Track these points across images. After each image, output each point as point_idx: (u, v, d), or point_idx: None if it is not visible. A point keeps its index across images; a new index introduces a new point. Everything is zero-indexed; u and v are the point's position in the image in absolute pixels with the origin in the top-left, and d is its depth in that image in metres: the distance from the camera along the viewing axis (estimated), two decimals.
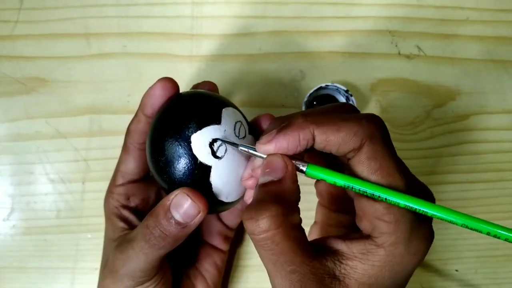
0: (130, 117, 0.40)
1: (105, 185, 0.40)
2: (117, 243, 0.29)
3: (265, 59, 0.40)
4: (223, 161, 0.26)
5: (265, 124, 0.29)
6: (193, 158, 0.25)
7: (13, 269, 0.41)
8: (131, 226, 0.31)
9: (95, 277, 0.39)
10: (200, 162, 0.25)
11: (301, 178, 0.25)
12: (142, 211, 0.32)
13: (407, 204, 0.23)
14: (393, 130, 0.41)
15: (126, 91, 0.40)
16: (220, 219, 0.35)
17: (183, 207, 0.26)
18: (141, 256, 0.27)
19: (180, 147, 0.25)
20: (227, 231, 0.36)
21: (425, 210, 0.23)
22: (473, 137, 0.41)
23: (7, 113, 0.40)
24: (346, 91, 0.38)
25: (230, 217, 0.35)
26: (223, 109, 0.26)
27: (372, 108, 0.40)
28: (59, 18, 0.40)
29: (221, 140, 0.26)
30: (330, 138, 0.23)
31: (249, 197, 0.27)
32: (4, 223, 0.41)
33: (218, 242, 0.35)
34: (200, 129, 0.25)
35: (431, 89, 0.40)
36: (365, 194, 0.23)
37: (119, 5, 0.40)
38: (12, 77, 0.40)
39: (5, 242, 0.41)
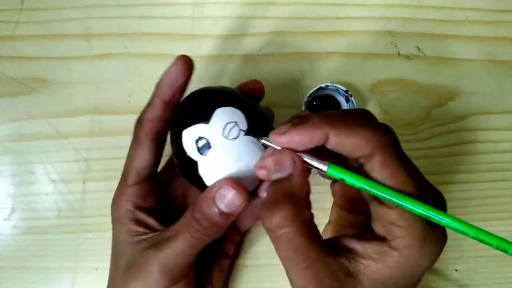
0: (130, 117, 0.40)
1: (105, 185, 0.40)
2: (145, 245, 0.29)
3: (265, 59, 0.40)
4: (208, 157, 0.28)
5: (251, 85, 0.31)
6: (183, 151, 0.28)
7: (13, 269, 0.41)
8: (151, 229, 0.30)
9: (96, 276, 0.39)
10: (188, 156, 0.28)
11: (315, 179, 0.25)
12: (157, 212, 0.32)
13: (419, 211, 0.23)
14: None
15: (126, 92, 0.40)
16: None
17: (227, 197, 0.27)
18: (185, 250, 0.28)
19: (177, 139, 0.28)
20: (236, 236, 0.36)
21: (435, 218, 0.23)
22: (473, 137, 0.41)
23: (8, 114, 0.40)
24: (346, 92, 0.38)
25: (244, 220, 0.36)
26: (218, 109, 0.28)
27: (372, 108, 0.40)
28: (60, 19, 0.40)
29: (242, 129, 0.28)
30: (343, 141, 0.24)
31: (263, 189, 0.28)
32: (5, 223, 0.41)
33: (227, 246, 0.36)
34: (190, 125, 0.28)
35: (431, 90, 0.41)
36: (380, 198, 0.24)
37: (120, 6, 0.40)
38: (13, 78, 0.40)
39: (5, 242, 0.41)
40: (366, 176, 0.25)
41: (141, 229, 0.30)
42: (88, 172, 0.40)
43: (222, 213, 0.27)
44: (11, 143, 0.40)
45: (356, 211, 0.31)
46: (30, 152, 0.40)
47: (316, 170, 0.26)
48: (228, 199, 0.27)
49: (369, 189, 0.24)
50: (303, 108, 0.38)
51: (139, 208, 0.31)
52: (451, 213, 0.30)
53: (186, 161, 0.28)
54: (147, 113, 0.30)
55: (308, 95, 0.38)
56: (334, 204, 0.33)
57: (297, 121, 0.25)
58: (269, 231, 0.24)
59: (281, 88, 0.40)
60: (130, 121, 0.40)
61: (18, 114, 0.40)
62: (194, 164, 0.28)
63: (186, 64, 0.30)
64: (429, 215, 0.23)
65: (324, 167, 0.25)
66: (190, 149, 0.28)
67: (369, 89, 0.40)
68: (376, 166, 0.24)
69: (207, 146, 0.28)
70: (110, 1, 0.40)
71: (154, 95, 0.30)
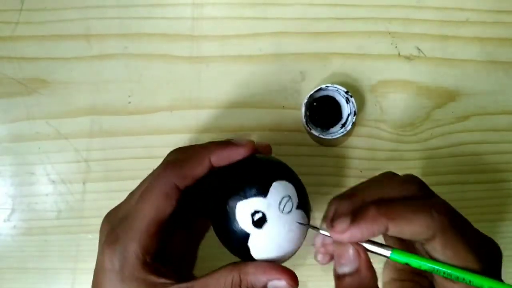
0: (130, 117, 0.40)
1: (105, 186, 0.40)
2: None
3: (265, 60, 0.40)
4: (262, 231, 0.28)
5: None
6: (235, 222, 0.28)
7: (14, 269, 0.41)
8: (172, 276, 0.28)
9: None
10: (241, 228, 0.28)
11: None
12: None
13: (481, 284, 0.24)
14: (393, 131, 0.41)
15: (126, 92, 0.40)
16: None
17: (278, 286, 0.28)
18: None
19: (230, 210, 0.28)
20: None
21: None
22: (473, 138, 0.41)
23: (8, 114, 0.40)
24: (346, 92, 0.38)
25: None
26: (274, 182, 0.28)
27: (372, 109, 0.40)
28: (60, 19, 0.40)
29: (303, 224, 0.28)
30: (403, 230, 0.25)
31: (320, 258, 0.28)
32: (5, 224, 0.41)
33: None
34: (246, 198, 0.28)
35: (431, 90, 0.41)
36: (448, 277, 0.25)
37: (120, 6, 0.40)
38: (13, 78, 0.40)
39: (5, 242, 0.41)
40: (429, 255, 0.26)
41: (164, 280, 0.28)
42: (88, 173, 0.40)
43: None
44: (11, 144, 0.40)
45: (412, 280, 0.32)
46: (30, 152, 0.40)
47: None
48: (278, 287, 0.28)
49: (435, 268, 0.25)
50: (303, 109, 0.38)
51: (155, 257, 0.29)
52: None
53: (237, 231, 0.28)
54: (195, 170, 0.29)
55: (308, 96, 0.38)
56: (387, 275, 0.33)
57: (354, 215, 0.25)
58: None
59: (281, 88, 0.40)
60: (130, 122, 0.40)
61: (18, 115, 0.40)
62: (245, 235, 0.28)
63: (252, 150, 0.30)
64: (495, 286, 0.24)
65: (387, 253, 0.26)
66: (244, 221, 0.28)
67: (369, 89, 0.40)
68: (438, 248, 0.25)
69: (263, 220, 0.28)
70: (110, 1, 0.40)
71: (204, 154, 0.29)
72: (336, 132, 0.39)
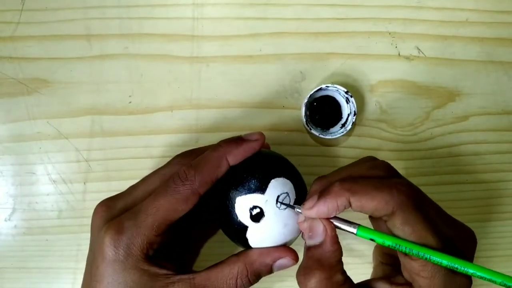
0: (131, 117, 0.40)
1: (106, 185, 0.40)
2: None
3: (266, 60, 0.40)
4: (259, 224, 0.30)
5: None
6: (235, 215, 0.30)
7: (14, 269, 0.41)
8: (172, 269, 0.29)
9: None
10: (240, 221, 0.30)
11: None
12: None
13: (445, 262, 0.25)
14: (393, 131, 0.41)
15: (127, 92, 0.40)
16: None
17: (283, 264, 0.30)
18: None
19: (230, 203, 0.30)
20: None
21: (461, 268, 0.25)
22: (473, 138, 0.41)
23: (9, 114, 0.40)
24: (346, 92, 0.38)
25: None
26: (273, 179, 0.30)
27: (372, 109, 0.41)
28: (60, 19, 0.40)
29: (284, 204, 0.30)
30: (364, 205, 0.27)
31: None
32: (6, 223, 0.41)
33: None
34: (245, 194, 0.30)
35: (431, 90, 0.41)
36: (409, 253, 0.26)
37: (120, 7, 0.40)
38: (14, 78, 0.40)
39: (6, 242, 0.41)
40: (391, 232, 0.27)
41: (166, 271, 0.29)
42: (89, 173, 0.41)
43: (270, 272, 0.31)
44: (12, 144, 0.40)
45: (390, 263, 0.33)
46: (30, 152, 0.40)
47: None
48: (283, 265, 0.30)
49: (396, 244, 0.27)
50: (303, 109, 0.38)
51: (159, 250, 0.30)
52: (450, 214, 0.30)
53: (236, 223, 0.30)
54: (216, 174, 0.30)
55: (308, 96, 0.38)
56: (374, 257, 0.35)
57: (321, 192, 0.28)
58: None
59: (281, 89, 0.40)
60: (130, 122, 0.40)
61: (19, 115, 0.40)
62: (243, 227, 0.30)
63: (263, 143, 0.31)
64: (454, 265, 0.25)
65: (354, 230, 0.28)
66: (243, 215, 0.30)
67: (369, 89, 0.40)
68: (398, 224, 0.26)
69: (261, 214, 0.30)
70: (111, 1, 0.40)
71: (222, 156, 0.30)
72: (336, 132, 0.39)
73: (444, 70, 0.41)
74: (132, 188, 0.32)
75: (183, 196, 0.29)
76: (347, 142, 0.41)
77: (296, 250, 0.31)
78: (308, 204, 0.28)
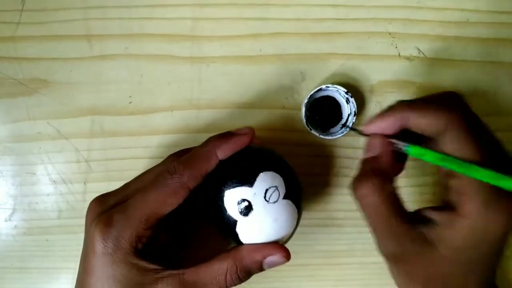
0: (131, 118, 0.40)
1: (106, 186, 0.40)
2: (172, 282, 0.28)
3: (266, 60, 0.40)
4: (248, 218, 0.30)
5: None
6: (223, 209, 0.30)
7: (15, 269, 0.41)
8: (162, 264, 0.29)
9: None
10: (228, 215, 0.30)
11: None
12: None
13: (485, 177, 0.26)
14: None
15: (127, 93, 0.40)
16: None
17: (273, 261, 0.30)
18: None
19: (219, 197, 0.30)
20: None
21: (502, 182, 0.26)
22: None
23: (9, 114, 0.40)
24: (346, 93, 0.38)
25: None
26: (261, 173, 0.30)
27: (372, 109, 0.41)
28: (61, 20, 0.40)
29: (352, 128, 0.32)
30: (420, 121, 0.28)
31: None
32: (6, 224, 0.41)
33: None
34: (233, 187, 0.30)
35: (431, 91, 0.41)
36: (453, 169, 0.27)
37: (121, 7, 0.40)
38: (14, 79, 0.40)
39: (7, 242, 0.41)
40: (441, 148, 0.28)
41: (155, 266, 0.29)
42: (89, 173, 0.41)
43: (260, 269, 0.30)
44: (12, 144, 0.40)
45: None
46: (31, 152, 0.40)
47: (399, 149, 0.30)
48: (273, 262, 0.30)
49: (443, 161, 0.27)
50: (303, 110, 0.38)
51: (148, 245, 0.30)
52: None
53: (225, 218, 0.30)
54: (205, 168, 0.30)
55: (308, 96, 0.38)
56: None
57: (383, 110, 0.29)
58: (358, 199, 0.29)
59: (281, 89, 0.40)
60: (130, 122, 0.40)
61: (19, 115, 0.40)
62: (233, 222, 0.30)
63: (253, 137, 0.31)
64: (495, 179, 0.26)
65: (404, 147, 0.29)
66: (232, 208, 0.30)
67: (370, 90, 0.40)
68: (448, 141, 0.27)
69: (249, 208, 0.29)
70: (111, 2, 0.40)
71: (212, 151, 0.30)
72: (336, 132, 0.39)
73: (444, 71, 0.41)
74: (126, 185, 0.33)
75: (172, 189, 0.29)
76: (347, 142, 0.41)
77: (290, 250, 0.31)
78: (369, 120, 0.30)
